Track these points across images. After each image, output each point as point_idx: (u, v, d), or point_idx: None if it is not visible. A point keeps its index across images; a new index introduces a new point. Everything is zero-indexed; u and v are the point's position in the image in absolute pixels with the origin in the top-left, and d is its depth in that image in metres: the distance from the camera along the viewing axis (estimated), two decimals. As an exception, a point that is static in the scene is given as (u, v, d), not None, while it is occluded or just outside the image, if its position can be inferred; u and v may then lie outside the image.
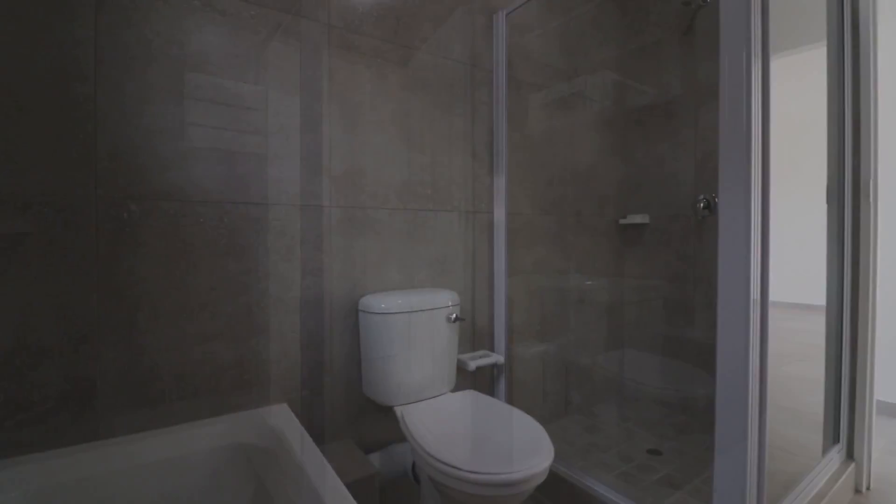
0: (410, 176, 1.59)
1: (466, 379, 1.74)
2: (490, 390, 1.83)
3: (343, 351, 1.45)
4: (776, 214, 1.78)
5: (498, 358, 1.71)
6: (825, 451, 1.66)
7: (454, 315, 1.49)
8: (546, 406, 2.04)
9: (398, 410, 1.34)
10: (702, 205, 2.08)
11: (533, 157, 1.97)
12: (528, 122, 1.95)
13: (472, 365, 1.61)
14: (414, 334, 1.40)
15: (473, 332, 1.77)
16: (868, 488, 1.67)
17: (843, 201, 1.63)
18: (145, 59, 1.12)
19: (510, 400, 1.84)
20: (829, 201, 1.66)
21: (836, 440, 1.68)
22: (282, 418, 1.18)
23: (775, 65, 1.96)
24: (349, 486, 0.85)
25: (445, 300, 1.49)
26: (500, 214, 1.81)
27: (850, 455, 1.68)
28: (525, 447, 1.10)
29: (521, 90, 1.93)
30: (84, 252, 1.05)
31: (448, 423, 1.24)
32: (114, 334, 1.09)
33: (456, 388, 1.60)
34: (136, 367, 1.12)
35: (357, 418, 1.49)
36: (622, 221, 2.32)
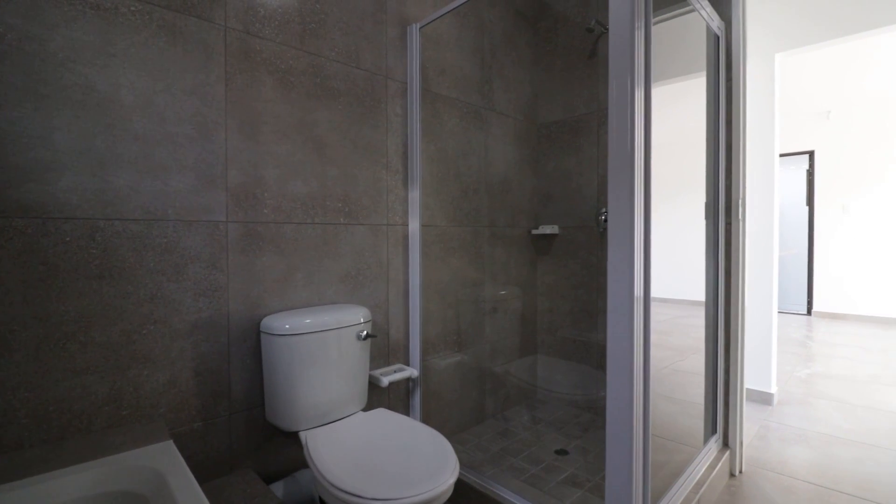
0: (319, 188, 1.54)
1: (380, 395, 1.72)
2: (405, 404, 1.82)
3: (243, 376, 1.36)
4: (675, 223, 1.95)
5: (412, 371, 1.71)
6: (706, 440, 1.86)
7: (365, 332, 1.46)
8: (462, 415, 2.08)
9: (303, 436, 1.28)
10: (603, 217, 2.24)
11: (448, 169, 1.99)
12: (443, 134, 1.97)
13: (385, 381, 1.58)
14: (321, 354, 1.35)
15: (388, 346, 1.75)
16: (741, 472, 1.89)
17: (717, 218, 1.83)
18: (-10, 53, 0.97)
19: (425, 413, 1.85)
20: (706, 217, 1.85)
21: (715, 430, 1.88)
22: (167, 458, 1.07)
23: (673, 88, 2.17)
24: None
25: (356, 317, 1.46)
26: (414, 226, 1.80)
27: (725, 443, 1.89)
28: (430, 466, 1.10)
29: (437, 103, 1.94)
30: None
31: (354, 447, 1.21)
32: (-52, 376, 0.93)
33: (369, 406, 1.57)
34: (-20, 413, 0.96)
35: (260, 446, 1.40)
36: (534, 232, 2.43)
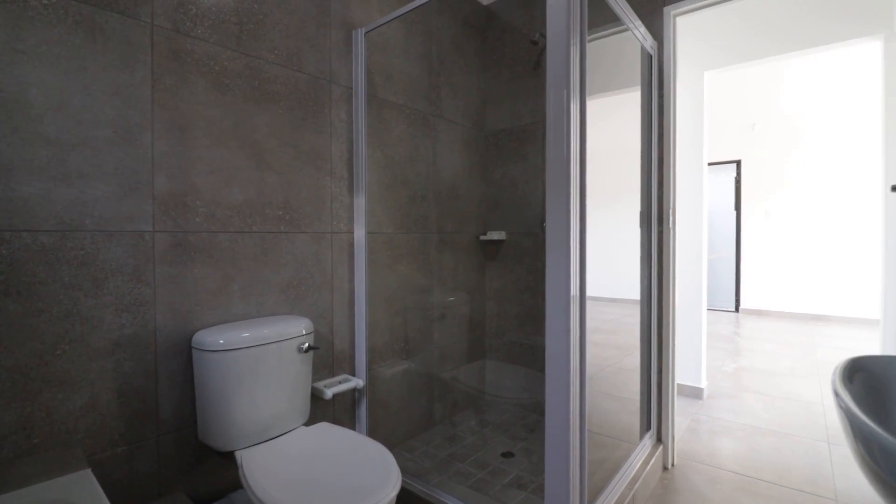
0: (258, 195, 1.48)
1: (324, 407, 1.68)
2: (351, 415, 1.78)
3: (173, 394, 1.28)
4: (624, 225, 2.02)
5: (358, 382, 1.68)
6: (641, 435, 1.96)
7: (306, 344, 1.42)
8: (410, 422, 2.07)
9: (238, 455, 1.23)
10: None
11: (395, 176, 1.98)
12: (390, 140, 1.96)
13: (329, 393, 1.55)
14: (259, 369, 1.30)
15: (332, 357, 1.71)
16: (673, 465, 2.01)
17: (650, 225, 1.93)
18: None
19: (371, 423, 1.82)
20: (641, 225, 1.96)
21: (650, 426, 1.98)
22: (83, 488, 0.99)
23: (614, 100, 2.26)
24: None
25: (298, 328, 1.41)
26: (360, 234, 1.78)
27: (659, 438, 2.00)
28: (371, 480, 1.09)
29: (383, 109, 1.93)
30: None
31: (292, 465, 1.17)
32: None
33: (312, 419, 1.53)
34: None
35: (192, 468, 1.33)
36: (482, 238, 2.46)
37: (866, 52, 4.02)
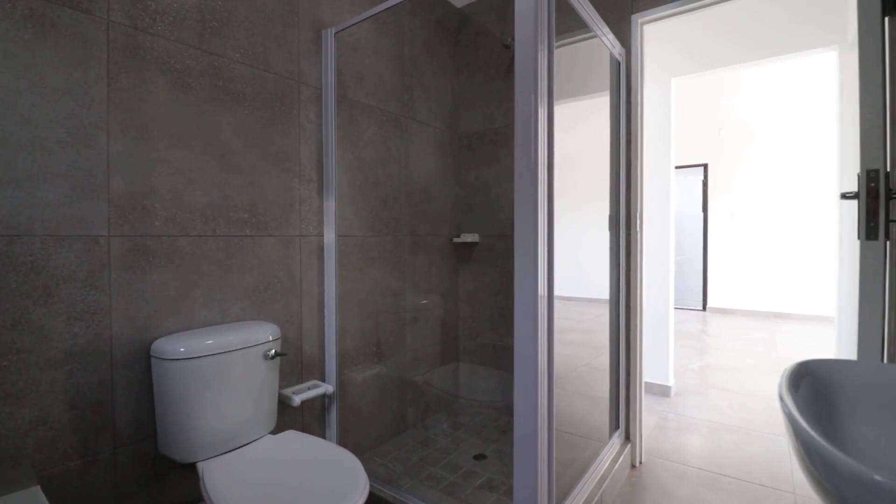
0: (222, 198, 1.44)
1: (293, 414, 1.65)
2: (321, 422, 1.76)
3: (130, 405, 1.24)
4: (597, 226, 2.04)
5: (328, 387, 1.66)
6: (611, 434, 1.99)
7: (273, 351, 1.39)
8: (382, 427, 2.05)
9: (200, 467, 1.19)
10: (520, 227, 2.33)
11: (366, 178, 1.96)
12: (361, 142, 1.93)
13: (297, 399, 1.52)
14: (222, 378, 1.26)
15: (301, 363, 1.68)
16: (640, 463, 2.05)
17: (619, 229, 1.97)
18: None
19: (342, 429, 1.80)
20: (610, 228, 1.99)
21: (618, 425, 2.02)
22: (30, 507, 0.94)
23: (586, 104, 2.29)
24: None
25: (264, 334, 1.38)
26: (330, 237, 1.75)
27: (627, 437, 2.04)
28: (337, 489, 1.07)
29: (354, 110, 1.90)
30: None
31: (256, 475, 1.15)
32: None
33: (280, 427, 1.50)
34: None
35: (152, 481, 1.28)
36: (456, 240, 2.46)
37: (825, 62, 4.21)
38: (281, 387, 1.58)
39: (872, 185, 1.05)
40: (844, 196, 1.11)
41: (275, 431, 1.43)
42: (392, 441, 2.06)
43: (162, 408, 1.22)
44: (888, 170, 1.12)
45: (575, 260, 2.30)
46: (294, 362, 1.65)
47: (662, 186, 2.95)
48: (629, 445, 2.00)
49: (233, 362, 1.29)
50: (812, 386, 0.64)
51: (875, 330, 1.05)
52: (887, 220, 1.04)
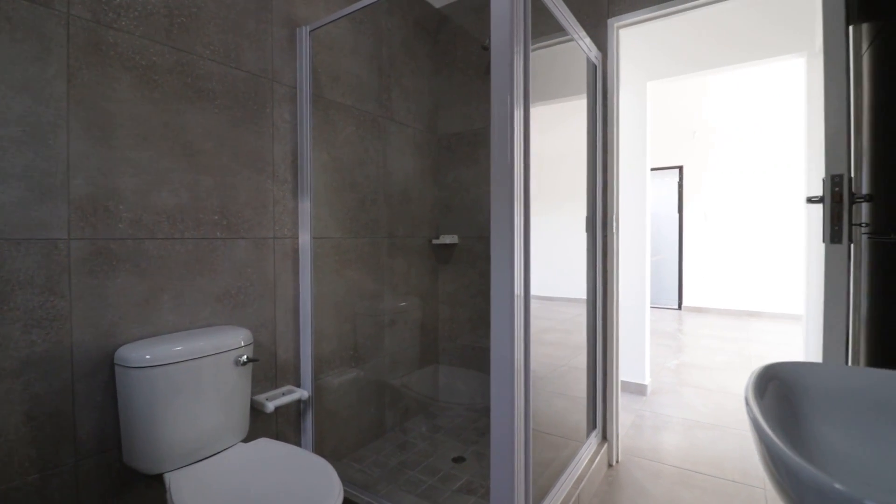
0: (191, 200, 1.39)
1: (266, 421, 1.61)
2: (296, 428, 1.72)
3: (93, 416, 1.19)
4: (579, 227, 2.04)
5: (303, 393, 1.62)
6: (588, 434, 2.01)
7: (245, 356, 1.35)
8: (359, 432, 2.02)
9: (167, 478, 1.15)
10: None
11: (343, 179, 1.93)
12: (337, 142, 1.90)
13: (271, 406, 1.49)
14: (190, 385, 1.22)
15: (276, 368, 1.65)
16: (617, 462, 2.08)
17: (595, 230, 1.99)
18: None
19: (318, 435, 1.77)
20: (586, 230, 2.01)
21: (595, 425, 2.04)
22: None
23: (566, 106, 2.29)
24: None
25: (235, 340, 1.35)
26: (305, 239, 1.72)
27: (605, 436, 2.06)
28: (310, 497, 1.05)
29: (330, 110, 1.87)
30: None
31: (225, 486, 1.11)
32: None
33: (253, 435, 1.46)
34: None
35: (116, 494, 1.23)
36: (435, 241, 2.45)
37: (794, 68, 4.34)
38: (254, 393, 1.54)
39: (837, 189, 1.08)
40: (810, 200, 1.14)
41: (247, 439, 1.39)
42: (370, 446, 2.04)
43: (127, 417, 1.18)
44: (852, 175, 1.15)
45: (557, 260, 2.32)
46: (268, 367, 1.62)
47: (638, 188, 3.00)
48: (606, 445, 2.02)
49: (202, 369, 1.25)
50: (778, 389, 0.65)
51: (839, 332, 1.08)
52: (850, 224, 1.07)
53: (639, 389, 2.94)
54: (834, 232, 1.08)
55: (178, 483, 1.12)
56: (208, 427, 1.26)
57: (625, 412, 2.61)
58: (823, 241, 1.11)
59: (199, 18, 1.42)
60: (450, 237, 2.43)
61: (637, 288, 3.00)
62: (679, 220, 6.19)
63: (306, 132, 1.71)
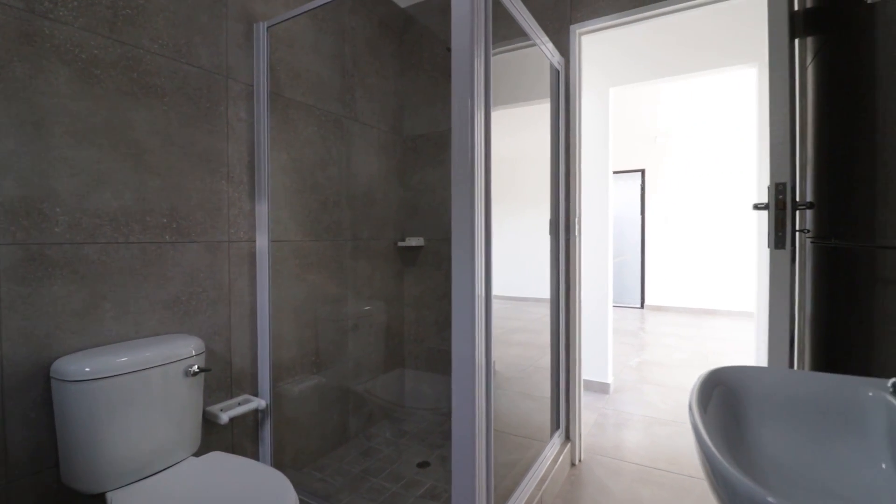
0: (136, 201, 1.32)
1: (221, 433, 1.54)
2: (253, 439, 1.66)
3: (26, 433, 1.10)
4: (545, 229, 2.04)
5: (260, 402, 1.57)
6: (551, 434, 2.03)
7: (196, 366, 1.29)
8: (321, 440, 1.98)
9: (110, 497, 1.09)
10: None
11: (304, 181, 1.88)
12: (297, 143, 1.85)
13: (225, 417, 1.43)
14: (136, 399, 1.16)
15: (231, 377, 1.58)
16: (580, 461, 2.11)
17: (558, 233, 2.01)
18: None
19: (277, 445, 1.71)
20: (550, 232, 2.03)
21: (559, 425, 2.07)
22: None
23: (530, 110, 2.30)
24: None
25: (185, 349, 1.28)
26: (262, 243, 1.66)
27: (567, 436, 2.09)
28: (264, 515, 1.01)
29: (290, 109, 1.82)
30: None
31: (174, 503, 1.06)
32: None
33: (205, 448, 1.40)
34: None
35: (52, 516, 1.15)
36: (400, 244, 2.43)
37: (746, 78, 4.54)
38: (208, 404, 1.48)
39: (780, 197, 1.13)
40: (756, 207, 1.19)
41: (199, 453, 1.33)
42: (332, 454, 1.99)
43: (64, 434, 1.10)
44: (796, 183, 1.21)
45: (527, 261, 2.33)
46: (223, 377, 1.55)
47: (601, 191, 3.06)
48: (569, 444, 2.05)
49: (148, 381, 1.18)
50: (723, 395, 0.66)
51: (783, 335, 1.12)
52: (793, 231, 1.12)
53: (602, 388, 3.00)
54: (778, 238, 1.13)
55: (121, 502, 1.05)
56: (156, 442, 1.20)
57: (588, 411, 2.66)
58: (769, 246, 1.15)
59: (146, 10, 1.35)
60: (416, 239, 2.41)
61: (600, 288, 3.07)
62: (641, 222, 6.39)
63: (264, 132, 1.65)
